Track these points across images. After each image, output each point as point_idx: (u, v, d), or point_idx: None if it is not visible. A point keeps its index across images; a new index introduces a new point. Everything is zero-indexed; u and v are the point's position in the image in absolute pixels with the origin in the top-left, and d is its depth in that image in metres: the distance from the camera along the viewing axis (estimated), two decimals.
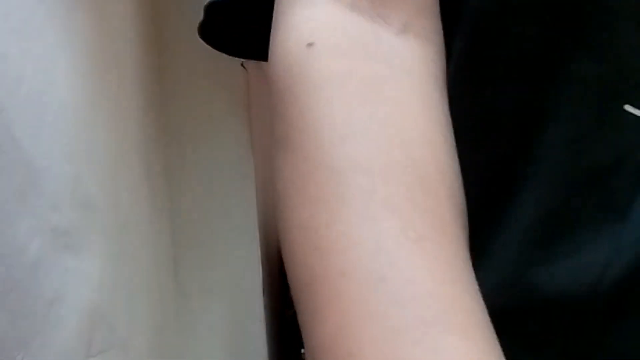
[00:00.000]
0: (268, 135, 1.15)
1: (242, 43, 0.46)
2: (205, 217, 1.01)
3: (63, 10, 0.75)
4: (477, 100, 0.45)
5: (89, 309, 0.73)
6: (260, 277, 1.02)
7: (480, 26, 0.44)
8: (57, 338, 0.69)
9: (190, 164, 1.01)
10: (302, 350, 1.19)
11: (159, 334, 0.88)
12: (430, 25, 0.42)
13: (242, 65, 1.04)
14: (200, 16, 0.99)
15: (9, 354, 0.64)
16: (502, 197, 0.45)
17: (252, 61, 1.02)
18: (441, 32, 0.43)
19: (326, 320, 0.34)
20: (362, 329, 0.32)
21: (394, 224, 0.34)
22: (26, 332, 0.66)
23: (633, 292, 0.42)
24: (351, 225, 0.35)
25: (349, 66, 0.39)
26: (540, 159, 0.44)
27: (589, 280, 0.42)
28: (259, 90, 1.05)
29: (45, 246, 0.68)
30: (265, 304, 1.03)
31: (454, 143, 0.40)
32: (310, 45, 0.40)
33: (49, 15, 0.72)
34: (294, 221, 0.37)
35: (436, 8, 0.43)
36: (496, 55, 0.44)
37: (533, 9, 0.43)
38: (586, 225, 0.43)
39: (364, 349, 0.32)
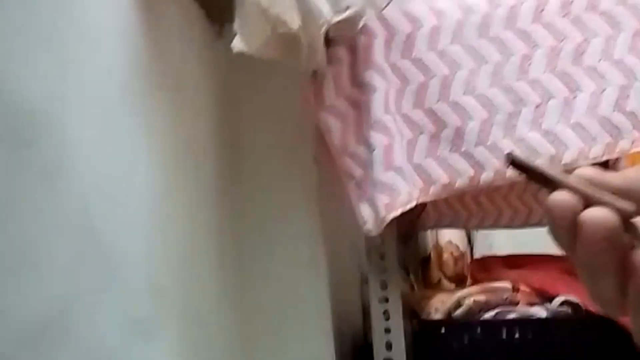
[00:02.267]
0: (336, 231, 1.15)
1: None
2: (277, 309, 1.02)
3: (145, 107, 0.78)
4: None
5: None
6: None
7: None
8: None
9: (262, 255, 1.02)
10: None
11: None
12: None
13: (314, 159, 1.05)
14: (272, 108, 1.01)
15: None
16: None
17: (324, 154, 1.03)
18: None
19: None
20: None
21: None
22: None
23: None
24: None
25: None
26: None
27: None
28: (328, 183, 1.06)
29: (124, 335, 0.69)
30: None
31: None
32: None
33: (132, 113, 0.75)
34: None
35: None
36: None
37: None
38: None
39: None
